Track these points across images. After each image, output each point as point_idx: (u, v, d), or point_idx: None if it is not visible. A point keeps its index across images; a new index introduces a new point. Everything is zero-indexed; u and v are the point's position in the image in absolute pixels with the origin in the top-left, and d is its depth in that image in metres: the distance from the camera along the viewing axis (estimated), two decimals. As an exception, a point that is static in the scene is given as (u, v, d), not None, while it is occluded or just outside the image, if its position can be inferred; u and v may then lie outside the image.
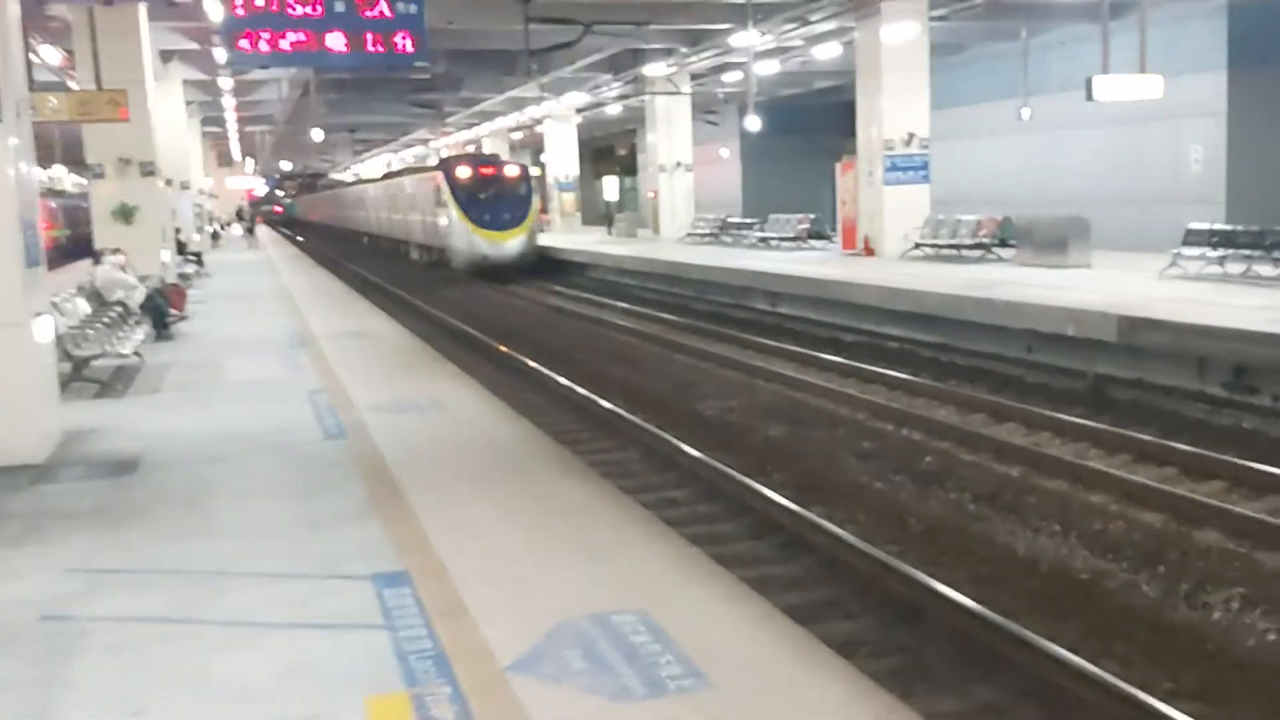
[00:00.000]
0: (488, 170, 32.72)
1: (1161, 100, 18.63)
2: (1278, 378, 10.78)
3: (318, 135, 34.96)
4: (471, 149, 47.83)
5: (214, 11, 14.81)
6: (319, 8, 10.18)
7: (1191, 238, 16.47)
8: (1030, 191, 26.64)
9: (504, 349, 16.36)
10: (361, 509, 6.47)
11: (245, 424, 9.03)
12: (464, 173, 32.25)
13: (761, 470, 9.57)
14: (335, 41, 10.30)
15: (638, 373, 14.98)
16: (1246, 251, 15.41)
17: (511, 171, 32.86)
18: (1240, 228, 16.25)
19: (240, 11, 10.09)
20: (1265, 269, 15.09)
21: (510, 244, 31.22)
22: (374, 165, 71.38)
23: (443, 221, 32.55)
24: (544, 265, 31.19)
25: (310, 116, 32.94)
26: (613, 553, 5.62)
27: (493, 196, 31.71)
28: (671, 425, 11.23)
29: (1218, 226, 16.77)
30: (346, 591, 5.13)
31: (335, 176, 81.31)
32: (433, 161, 52.35)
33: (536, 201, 33.15)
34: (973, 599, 6.33)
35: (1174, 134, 23.12)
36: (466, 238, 31.34)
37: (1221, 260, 15.68)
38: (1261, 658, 5.92)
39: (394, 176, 45.90)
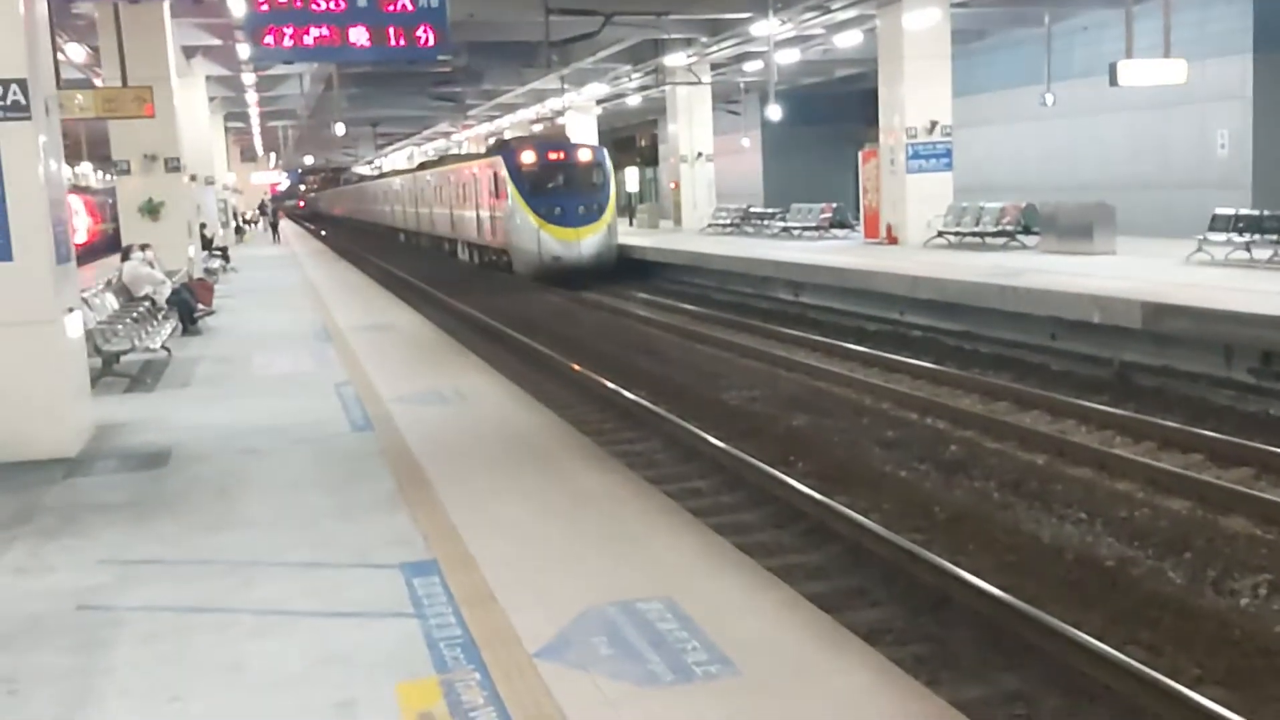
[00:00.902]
0: (557, 154, 27.55)
1: (1186, 85, 18.49)
2: (1305, 363, 10.74)
3: (340, 129, 35.09)
4: (491, 141, 47.44)
5: (237, 7, 14.96)
6: (341, 2, 10.22)
7: (1217, 223, 16.36)
8: (1054, 178, 26.47)
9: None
10: (390, 499, 6.54)
11: (274, 417, 9.12)
12: (529, 158, 27.17)
13: (785, 460, 9.60)
14: (358, 36, 10.34)
15: (660, 363, 15.01)
16: (1273, 236, 15.29)
17: (585, 155, 27.67)
18: (1267, 212, 16.13)
19: (264, 7, 10.14)
20: (1292, 254, 14.99)
21: (586, 243, 26.34)
22: (396, 158, 71.59)
23: (503, 217, 27.82)
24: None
25: (333, 111, 33.06)
26: (638, 541, 5.66)
27: (564, 185, 26.82)
28: (694, 415, 11.26)
29: (1244, 211, 16.64)
30: (377, 580, 5.19)
31: (359, 170, 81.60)
32: (456, 151, 51.93)
33: (614, 189, 27.95)
34: (998, 587, 6.34)
35: (1199, 119, 22.92)
36: (533, 236, 26.41)
37: (1248, 245, 15.57)
38: (1289, 644, 5.90)
39: (437, 164, 41.22)
